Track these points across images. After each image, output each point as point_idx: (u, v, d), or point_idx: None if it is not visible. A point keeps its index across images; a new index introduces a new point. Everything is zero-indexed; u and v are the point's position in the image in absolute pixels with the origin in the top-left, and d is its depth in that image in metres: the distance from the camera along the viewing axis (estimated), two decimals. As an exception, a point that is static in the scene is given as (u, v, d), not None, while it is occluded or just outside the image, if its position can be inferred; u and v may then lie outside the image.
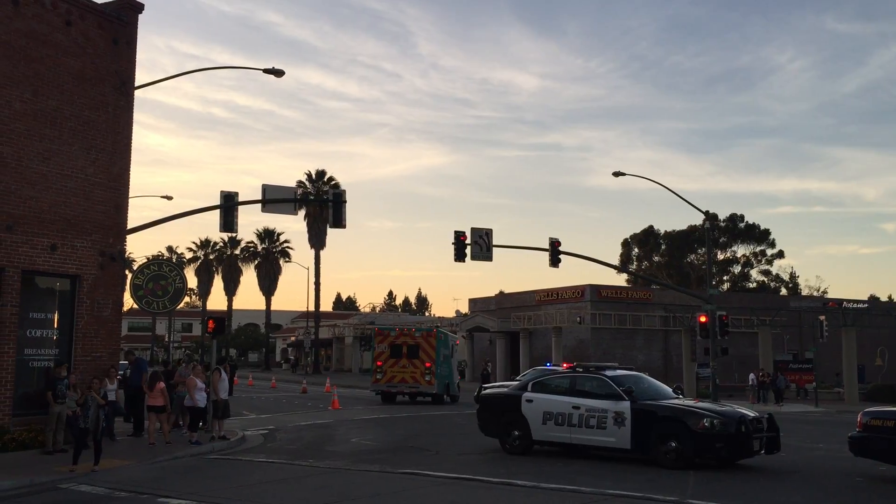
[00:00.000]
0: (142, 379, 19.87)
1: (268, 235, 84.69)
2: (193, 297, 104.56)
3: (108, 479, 14.20)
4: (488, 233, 32.74)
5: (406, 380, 34.59)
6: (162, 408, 18.65)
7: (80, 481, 13.93)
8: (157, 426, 18.63)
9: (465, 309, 74.84)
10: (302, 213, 72.46)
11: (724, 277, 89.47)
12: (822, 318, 42.99)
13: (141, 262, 35.97)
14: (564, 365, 26.72)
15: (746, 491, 13.45)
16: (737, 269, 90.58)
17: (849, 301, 60.91)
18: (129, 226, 20.65)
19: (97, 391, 15.78)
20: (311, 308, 76.90)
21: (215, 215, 24.13)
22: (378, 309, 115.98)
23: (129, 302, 31.25)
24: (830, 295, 78.43)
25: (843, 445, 15.68)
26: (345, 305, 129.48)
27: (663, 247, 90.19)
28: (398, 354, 34.70)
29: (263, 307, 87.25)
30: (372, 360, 36.29)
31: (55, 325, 18.51)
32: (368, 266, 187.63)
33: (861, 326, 48.00)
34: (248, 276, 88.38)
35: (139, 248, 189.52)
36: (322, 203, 59.90)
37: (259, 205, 25.04)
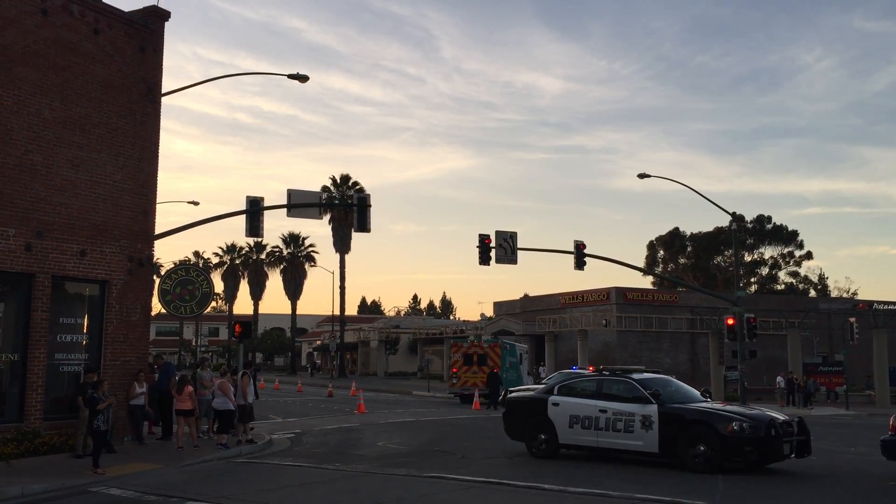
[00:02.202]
0: (170, 383, 20.02)
1: (293, 240, 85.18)
2: (220, 301, 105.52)
3: (136, 482, 14.33)
4: (513, 236, 32.68)
5: (477, 384, 38.88)
6: (190, 411, 18.80)
7: (109, 484, 14.07)
8: (186, 430, 18.77)
9: (490, 312, 74.76)
10: (327, 217, 72.88)
11: (752, 279, 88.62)
12: (853, 319, 42.42)
13: (168, 268, 36.29)
14: (590, 368, 26.58)
15: (776, 495, 13.30)
16: (764, 270, 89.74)
17: (879, 302, 60.03)
18: (157, 231, 20.84)
19: (103, 392, 15.89)
20: (337, 312, 77.19)
21: (241, 220, 24.37)
22: (403, 313, 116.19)
23: (156, 307, 31.55)
24: (861, 296, 77.49)
25: (875, 449, 15.46)
26: (370, 309, 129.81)
27: (689, 249, 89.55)
28: (470, 362, 40.04)
29: (289, 311, 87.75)
30: (448, 368, 42.46)
31: (85, 330, 18.73)
32: (393, 270, 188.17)
33: (892, 328, 47.29)
34: (274, 281, 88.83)
35: (166, 253, 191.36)
36: (347, 207, 60.18)
37: (284, 210, 25.16)
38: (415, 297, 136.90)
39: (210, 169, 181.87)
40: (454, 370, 40.85)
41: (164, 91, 21.11)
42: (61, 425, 17.35)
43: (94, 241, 18.55)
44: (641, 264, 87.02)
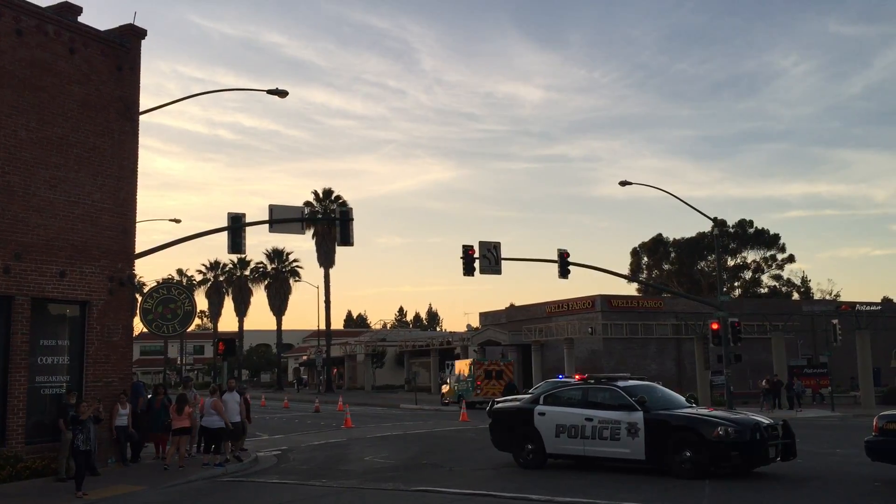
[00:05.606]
0: (138, 403, 19.91)
1: (277, 255, 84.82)
2: (204, 319, 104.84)
3: (121, 504, 14.18)
4: (496, 246, 32.73)
5: (495, 394, 42.50)
6: (188, 430, 18.79)
7: (93, 508, 13.92)
8: (175, 449, 18.64)
9: (475, 323, 74.74)
10: (310, 232, 72.78)
11: (735, 283, 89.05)
12: (836, 321, 42.65)
13: (150, 286, 36.05)
14: (577, 377, 26.61)
15: (763, 499, 13.33)
16: (748, 274, 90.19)
17: (862, 304, 60.54)
18: (138, 250, 20.72)
19: (85, 412, 15.72)
20: (322, 326, 76.95)
21: (225, 237, 24.18)
22: (389, 326, 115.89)
23: (139, 326, 31.27)
24: (843, 298, 78.02)
25: (860, 450, 15.51)
26: (356, 323, 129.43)
27: (673, 255, 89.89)
28: (490, 377, 47.76)
29: (274, 327, 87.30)
30: (473, 381, 48.92)
31: (66, 352, 18.53)
32: (378, 283, 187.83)
33: (875, 329, 47.63)
34: (259, 297, 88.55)
35: (149, 271, 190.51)
36: (329, 221, 60.05)
37: (268, 225, 25.07)
38: (401, 310, 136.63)
39: (192, 186, 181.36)
40: (478, 383, 48.65)
41: (144, 109, 21.06)
42: (43, 449, 17.14)
43: (74, 261, 18.41)
44: (626, 271, 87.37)
